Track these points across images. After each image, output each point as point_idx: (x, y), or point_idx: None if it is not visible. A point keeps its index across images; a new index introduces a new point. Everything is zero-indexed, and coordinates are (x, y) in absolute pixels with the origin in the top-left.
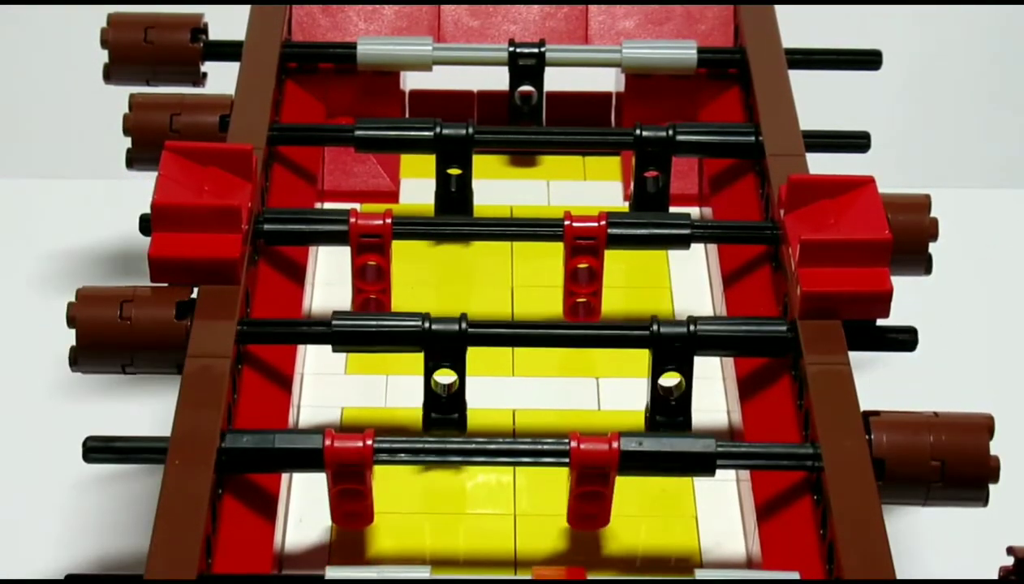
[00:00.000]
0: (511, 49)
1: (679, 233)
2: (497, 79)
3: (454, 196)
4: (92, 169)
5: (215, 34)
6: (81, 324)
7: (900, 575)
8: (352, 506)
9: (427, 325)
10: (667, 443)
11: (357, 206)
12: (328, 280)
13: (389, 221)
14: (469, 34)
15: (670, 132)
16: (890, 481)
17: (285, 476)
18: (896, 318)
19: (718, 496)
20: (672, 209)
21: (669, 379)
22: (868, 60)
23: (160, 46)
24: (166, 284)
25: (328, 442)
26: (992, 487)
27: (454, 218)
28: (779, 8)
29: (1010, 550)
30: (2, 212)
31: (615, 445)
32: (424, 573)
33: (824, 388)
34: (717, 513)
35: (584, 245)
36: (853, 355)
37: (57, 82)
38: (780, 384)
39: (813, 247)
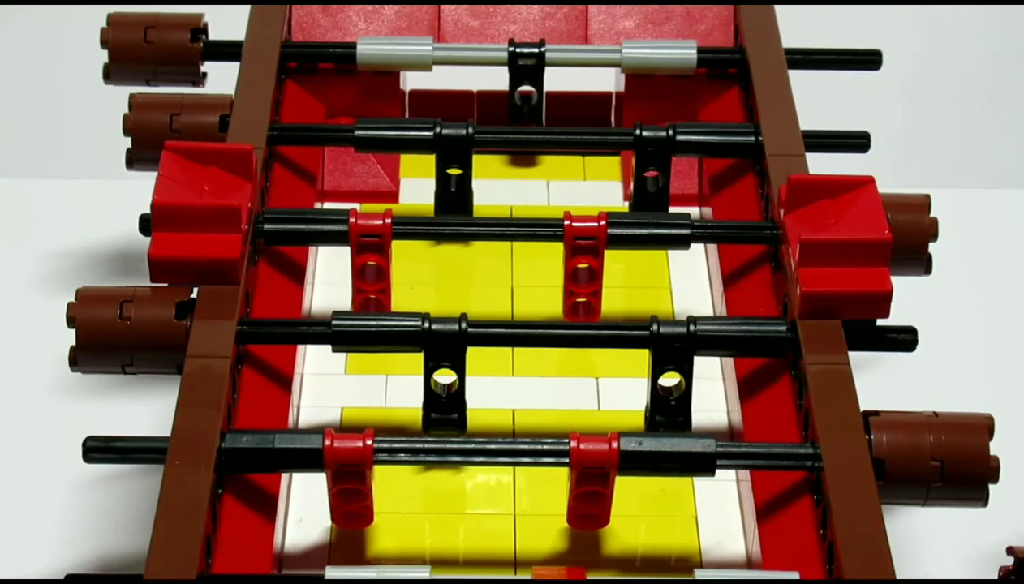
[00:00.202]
0: (511, 49)
1: (679, 233)
2: (497, 79)
3: (454, 196)
4: (92, 169)
5: (215, 34)
6: (81, 324)
7: (900, 575)
8: (352, 506)
9: (427, 325)
10: (667, 443)
11: (357, 206)
12: (328, 280)
13: (389, 221)
14: (469, 34)
15: (670, 132)
16: (890, 481)
17: (285, 476)
18: (896, 318)
19: (718, 496)
20: (672, 209)
21: (669, 379)
22: (868, 60)
23: (160, 46)
24: (166, 284)
25: (328, 442)
26: (992, 487)
27: (453, 218)
28: (779, 8)
29: (1010, 550)
30: (2, 212)
31: (615, 445)
32: (424, 573)
33: (824, 388)
34: (717, 513)
35: (584, 245)
36: (853, 355)
37: (57, 82)
38: (780, 384)
39: (813, 247)
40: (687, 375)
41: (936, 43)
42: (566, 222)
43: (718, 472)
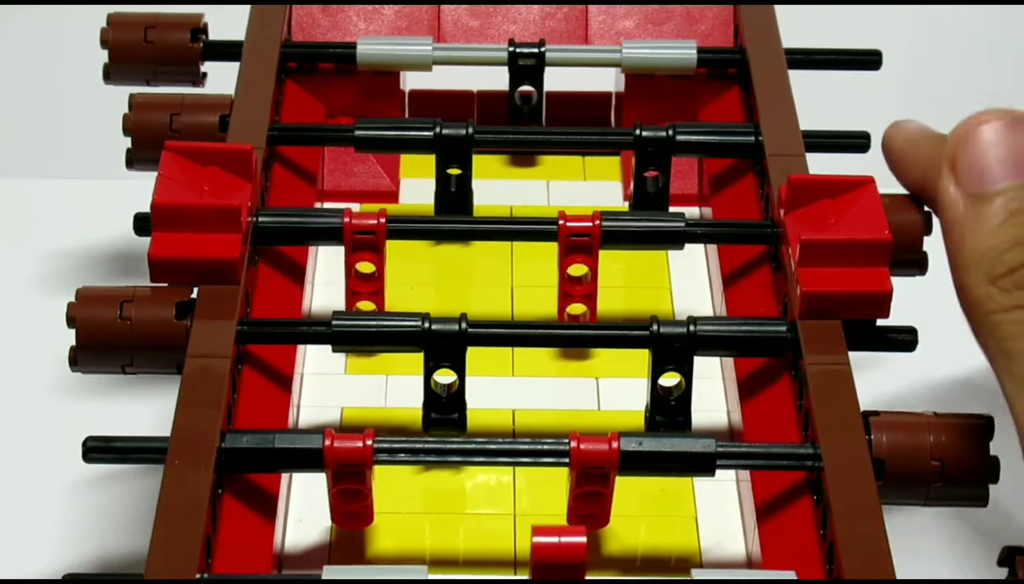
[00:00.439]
0: (511, 49)
1: (674, 231)
2: (497, 79)
3: (454, 196)
4: (92, 169)
5: (215, 34)
6: (81, 324)
7: (900, 575)
8: (352, 506)
9: (427, 325)
10: (667, 443)
11: (356, 206)
12: (328, 280)
13: (383, 219)
14: (469, 34)
15: (670, 132)
16: (890, 481)
17: (285, 476)
18: (896, 318)
19: (718, 496)
20: (672, 209)
21: (669, 379)
22: (868, 60)
23: (160, 46)
24: (166, 284)
25: (328, 442)
26: (992, 487)
27: (448, 217)
28: (779, 8)
29: (1010, 550)
30: (2, 212)
31: (615, 445)
32: (422, 573)
33: (824, 388)
34: (717, 513)
35: (578, 242)
36: (853, 355)
37: (57, 82)
38: (780, 384)
39: (813, 247)
40: (687, 375)
41: (936, 43)
42: (560, 221)
43: (718, 472)
